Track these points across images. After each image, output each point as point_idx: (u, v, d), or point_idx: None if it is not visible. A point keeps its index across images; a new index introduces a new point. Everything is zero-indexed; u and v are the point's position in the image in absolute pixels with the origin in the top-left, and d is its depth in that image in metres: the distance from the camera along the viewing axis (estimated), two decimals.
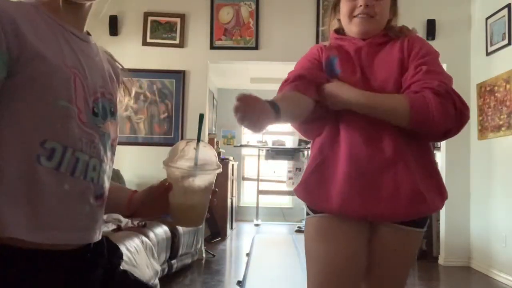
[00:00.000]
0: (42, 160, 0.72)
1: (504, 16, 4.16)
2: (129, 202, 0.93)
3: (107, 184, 0.85)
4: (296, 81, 1.34)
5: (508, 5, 4.09)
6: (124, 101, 0.96)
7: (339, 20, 1.48)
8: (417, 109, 1.25)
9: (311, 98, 1.32)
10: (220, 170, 0.89)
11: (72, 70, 0.76)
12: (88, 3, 0.83)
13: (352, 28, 1.42)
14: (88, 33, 0.88)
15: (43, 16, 0.77)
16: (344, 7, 1.43)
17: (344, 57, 1.41)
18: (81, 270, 0.80)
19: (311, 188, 1.38)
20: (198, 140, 0.82)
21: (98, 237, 0.83)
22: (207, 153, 0.86)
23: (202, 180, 0.84)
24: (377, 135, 1.33)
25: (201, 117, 0.93)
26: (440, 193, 1.41)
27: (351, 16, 1.41)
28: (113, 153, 0.86)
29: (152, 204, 0.91)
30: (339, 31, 1.49)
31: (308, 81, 1.34)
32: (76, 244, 0.78)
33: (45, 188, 0.72)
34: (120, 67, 0.97)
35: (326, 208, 1.36)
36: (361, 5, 1.38)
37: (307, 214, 1.46)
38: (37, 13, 0.76)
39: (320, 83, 1.36)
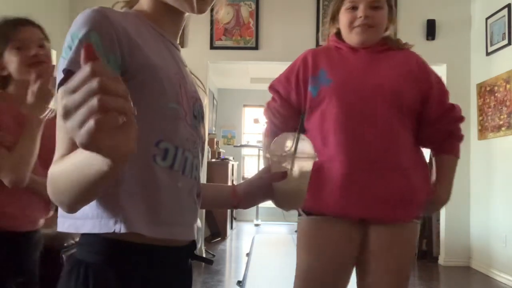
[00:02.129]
0: (158, 160, 0.75)
1: (504, 16, 4.16)
2: (234, 195, 0.98)
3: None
4: (273, 131, 1.51)
5: (508, 5, 4.09)
6: None
7: (338, 28, 1.56)
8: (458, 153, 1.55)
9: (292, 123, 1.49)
10: (317, 159, 0.97)
11: (176, 76, 0.80)
12: (186, 14, 0.87)
13: (353, 38, 1.49)
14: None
15: (146, 26, 0.80)
16: (344, 18, 1.50)
17: (337, 58, 1.50)
18: (187, 266, 0.86)
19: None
20: (299, 132, 0.92)
21: (195, 233, 0.88)
22: (305, 145, 0.94)
23: (301, 166, 0.93)
24: (371, 138, 1.40)
25: (302, 117, 1.07)
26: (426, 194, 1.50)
27: (351, 26, 1.48)
28: (202, 155, 0.92)
29: (256, 192, 0.98)
30: (339, 36, 1.56)
31: (281, 128, 1.47)
32: (185, 239, 0.83)
33: (162, 185, 0.76)
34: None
35: (325, 211, 1.42)
36: (360, 16, 1.46)
37: (299, 214, 1.53)
38: (141, 22, 0.80)
39: (296, 100, 1.51)
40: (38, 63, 1.44)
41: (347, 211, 1.40)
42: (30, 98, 1.36)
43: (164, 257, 0.78)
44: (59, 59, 0.71)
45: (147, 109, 0.73)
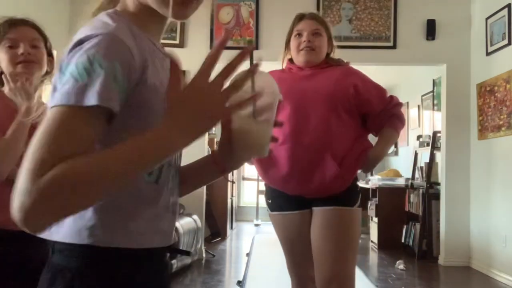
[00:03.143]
0: (145, 175, 0.75)
1: (504, 16, 4.16)
2: (214, 162, 0.95)
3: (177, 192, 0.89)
4: None
5: (508, 5, 4.09)
6: None
7: (290, 54, 1.98)
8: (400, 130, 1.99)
9: None
10: (280, 96, 0.90)
11: (164, 90, 0.78)
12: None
13: (299, 59, 1.93)
14: None
15: (136, 35, 0.75)
16: (293, 43, 1.95)
17: (288, 75, 1.94)
18: (164, 259, 0.86)
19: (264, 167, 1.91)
20: (252, 64, 0.79)
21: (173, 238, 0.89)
22: (264, 79, 0.85)
23: (260, 104, 0.82)
24: (310, 129, 1.81)
25: (250, 42, 0.93)
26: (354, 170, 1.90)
27: (298, 49, 1.92)
28: (180, 159, 0.91)
29: (229, 148, 0.91)
30: (292, 61, 1.99)
31: None
32: (163, 245, 0.83)
33: (144, 199, 0.76)
34: None
35: (272, 179, 1.90)
36: (304, 41, 1.90)
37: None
38: (131, 33, 0.74)
39: None
40: (25, 61, 1.44)
41: (287, 188, 1.89)
42: (10, 95, 1.39)
43: (146, 256, 0.78)
44: (60, 62, 0.68)
45: (138, 128, 0.70)
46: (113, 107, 0.65)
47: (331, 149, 1.81)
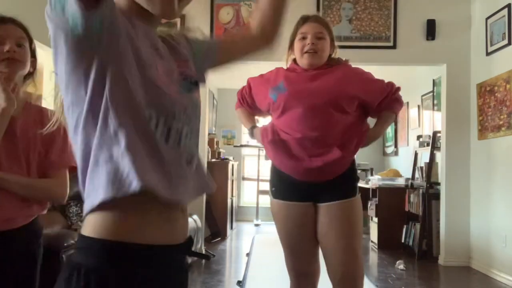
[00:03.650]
0: (151, 123, 0.77)
1: (504, 16, 4.16)
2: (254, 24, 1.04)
3: (196, 150, 0.90)
4: (247, 108, 2.22)
5: (508, 5, 4.09)
6: None
7: (294, 56, 2.08)
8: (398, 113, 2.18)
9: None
10: None
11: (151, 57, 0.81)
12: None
13: (303, 61, 2.02)
14: None
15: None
16: (297, 46, 2.04)
17: (293, 75, 2.04)
18: (183, 264, 0.88)
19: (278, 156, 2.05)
20: None
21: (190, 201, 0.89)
22: None
23: None
24: (316, 124, 1.94)
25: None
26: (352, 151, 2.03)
27: (302, 52, 2.01)
28: (199, 121, 0.92)
29: None
30: (296, 62, 2.08)
31: (254, 110, 2.21)
32: (187, 202, 0.85)
33: (159, 147, 0.77)
34: None
35: (288, 167, 2.01)
36: (308, 43, 1.99)
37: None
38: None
39: (259, 108, 2.16)
40: (10, 59, 1.45)
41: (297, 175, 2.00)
42: None
43: (162, 256, 0.78)
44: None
45: (125, 75, 0.74)
46: None
47: (336, 141, 1.95)
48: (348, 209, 1.97)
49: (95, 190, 0.73)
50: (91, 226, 0.74)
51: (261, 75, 2.18)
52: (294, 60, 2.10)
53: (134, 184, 0.71)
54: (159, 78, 0.80)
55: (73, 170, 1.56)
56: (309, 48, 1.99)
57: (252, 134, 2.16)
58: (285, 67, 2.13)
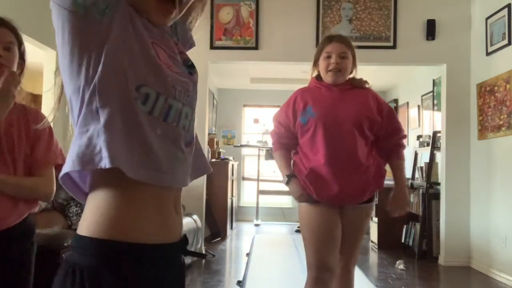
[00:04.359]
0: (138, 103, 0.76)
1: (504, 16, 4.16)
2: None
3: (194, 132, 0.90)
4: (283, 146, 2.29)
5: (508, 5, 4.09)
6: None
7: (318, 71, 2.26)
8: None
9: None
10: None
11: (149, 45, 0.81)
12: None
13: (328, 79, 2.20)
14: None
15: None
16: (322, 64, 2.21)
17: (319, 96, 2.20)
18: (179, 262, 0.87)
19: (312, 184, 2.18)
20: None
21: (189, 183, 0.88)
22: None
23: None
24: (344, 149, 2.11)
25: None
26: (378, 185, 2.23)
27: (326, 70, 2.19)
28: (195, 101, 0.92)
29: None
30: (319, 78, 2.26)
31: (288, 146, 2.29)
32: (176, 186, 0.83)
33: (144, 128, 0.76)
34: None
35: (325, 198, 2.15)
36: (333, 63, 2.16)
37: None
38: None
39: (292, 133, 2.25)
40: None
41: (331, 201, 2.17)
42: None
43: (157, 254, 0.79)
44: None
45: (126, 50, 0.74)
46: None
47: (360, 166, 2.12)
48: (368, 210, 2.25)
49: (67, 161, 0.74)
50: (86, 225, 0.75)
51: (281, 107, 2.31)
52: (316, 77, 2.26)
53: (104, 161, 0.71)
54: (161, 57, 0.81)
55: (59, 168, 1.57)
56: (334, 67, 2.15)
57: (287, 183, 2.24)
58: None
